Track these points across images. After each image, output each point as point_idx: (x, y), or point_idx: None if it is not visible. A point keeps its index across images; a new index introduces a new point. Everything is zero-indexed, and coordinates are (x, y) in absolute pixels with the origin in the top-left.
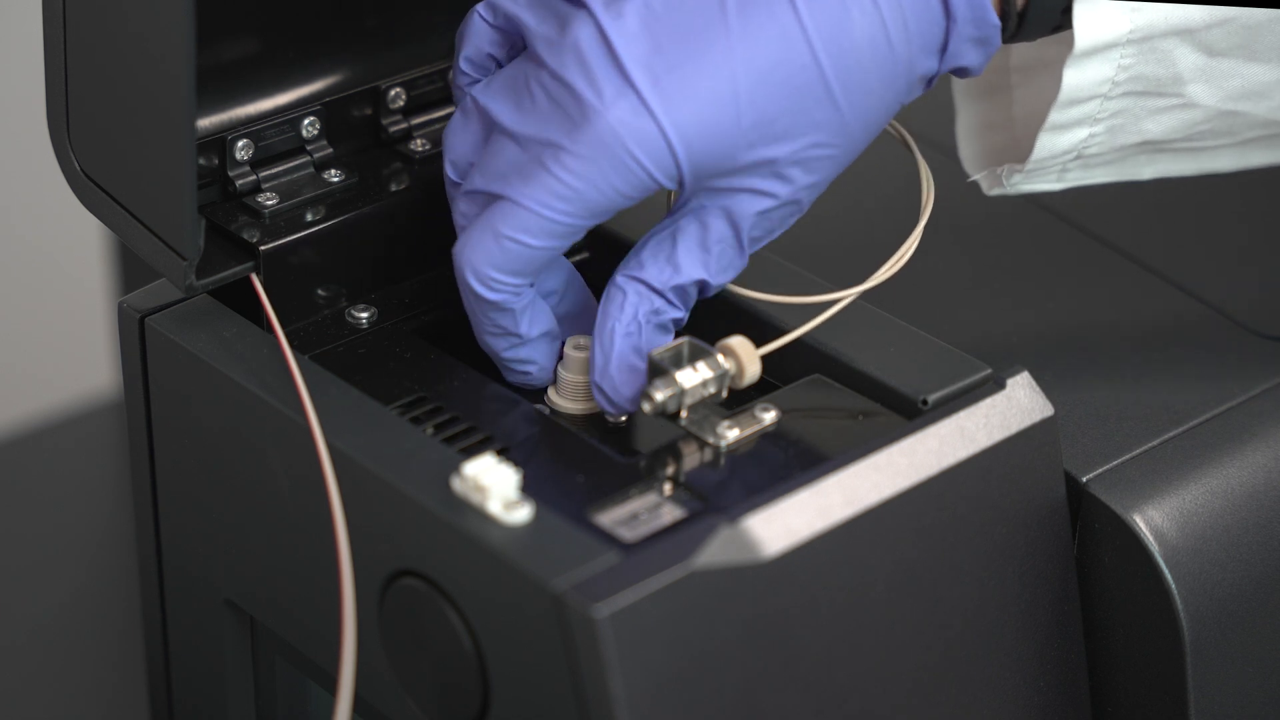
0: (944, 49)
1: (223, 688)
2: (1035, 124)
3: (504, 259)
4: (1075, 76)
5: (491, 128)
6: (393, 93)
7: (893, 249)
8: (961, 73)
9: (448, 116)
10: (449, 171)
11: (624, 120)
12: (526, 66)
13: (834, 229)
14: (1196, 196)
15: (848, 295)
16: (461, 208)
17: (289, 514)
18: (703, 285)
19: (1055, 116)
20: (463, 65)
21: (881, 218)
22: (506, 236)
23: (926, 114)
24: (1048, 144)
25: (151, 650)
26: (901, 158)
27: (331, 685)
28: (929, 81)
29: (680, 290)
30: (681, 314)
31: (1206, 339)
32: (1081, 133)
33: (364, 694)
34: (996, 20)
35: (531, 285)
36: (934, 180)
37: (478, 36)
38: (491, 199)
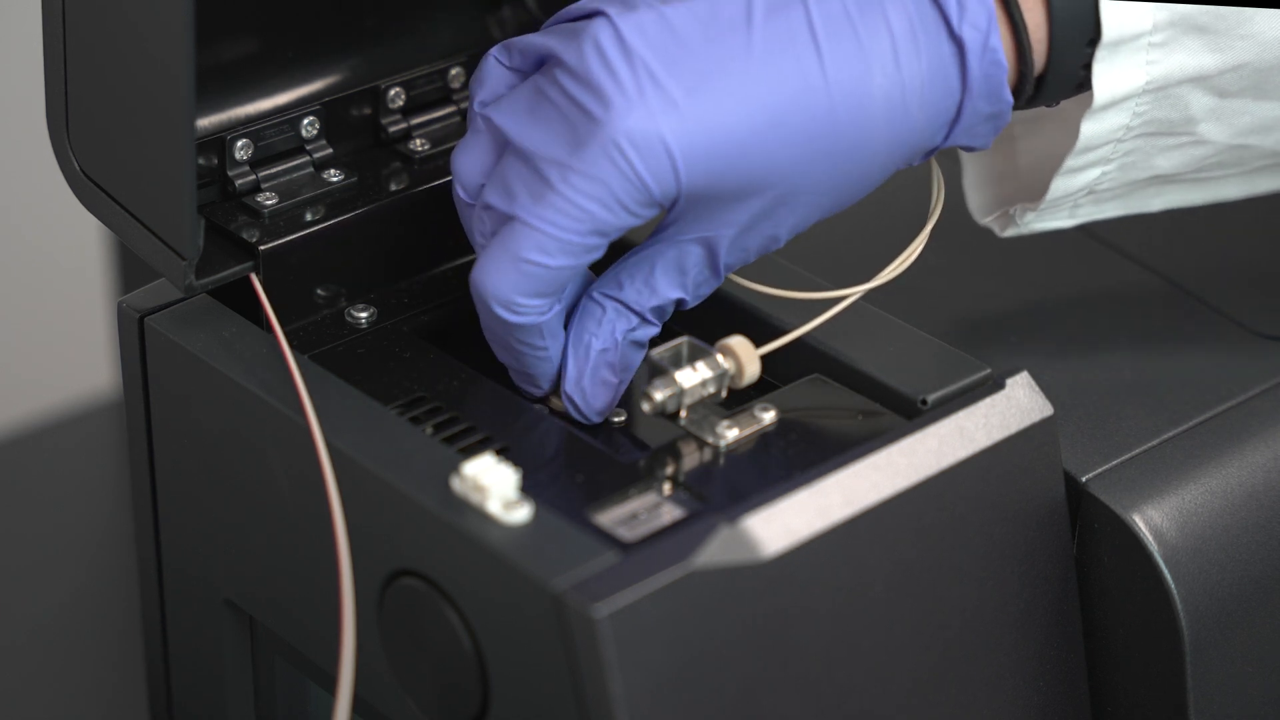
0: (955, 122)
1: (222, 688)
2: (1042, 171)
3: (525, 282)
4: (1092, 127)
5: (503, 145)
6: (392, 92)
7: (893, 249)
8: (967, 149)
9: (448, 116)
10: (460, 193)
11: (629, 132)
12: (540, 80)
13: (835, 229)
14: None
15: (851, 294)
16: (477, 225)
17: (289, 514)
18: (680, 302)
19: (1071, 163)
20: (478, 109)
21: (883, 219)
22: (524, 259)
23: None
24: (1062, 185)
25: (151, 650)
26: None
27: (331, 685)
28: (929, 153)
29: (658, 310)
30: (657, 329)
31: (1206, 339)
32: (1094, 172)
33: (363, 694)
34: (1010, 98)
35: (557, 303)
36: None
37: (494, 80)
38: (503, 218)
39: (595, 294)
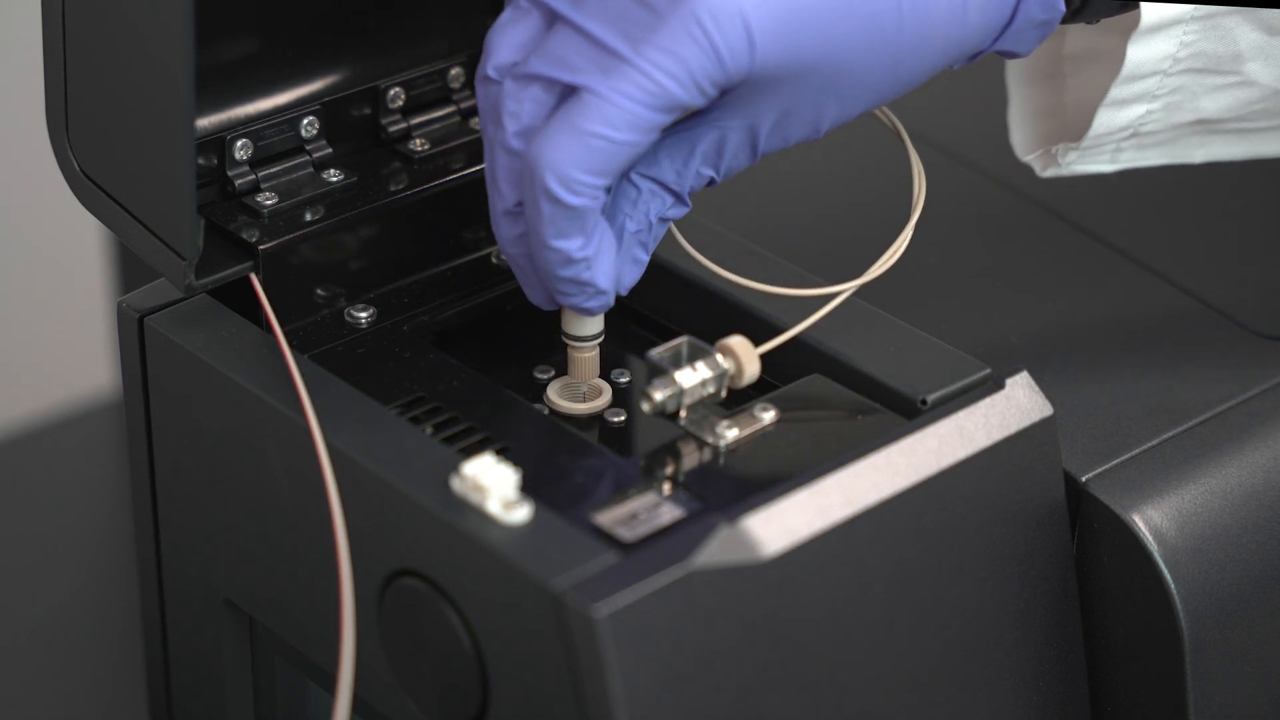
0: (1006, 27)
1: (222, 688)
2: (1087, 111)
3: (588, 157)
4: (1139, 52)
5: (553, 21)
6: (392, 93)
7: (886, 245)
8: (1009, 55)
9: (447, 116)
10: (489, 71)
11: (711, 6)
12: None
13: (830, 227)
14: (1196, 196)
15: (845, 289)
16: (509, 99)
17: (288, 514)
18: (710, 181)
19: (1116, 92)
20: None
21: (877, 215)
22: (591, 132)
23: (922, 110)
24: (1106, 120)
25: (151, 650)
26: (900, 156)
27: (331, 685)
28: (974, 57)
29: (692, 190)
30: (688, 209)
31: (1206, 339)
32: (1139, 109)
33: (363, 694)
34: (1062, 6)
35: (608, 191)
36: (935, 179)
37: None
38: (555, 86)
39: (632, 174)
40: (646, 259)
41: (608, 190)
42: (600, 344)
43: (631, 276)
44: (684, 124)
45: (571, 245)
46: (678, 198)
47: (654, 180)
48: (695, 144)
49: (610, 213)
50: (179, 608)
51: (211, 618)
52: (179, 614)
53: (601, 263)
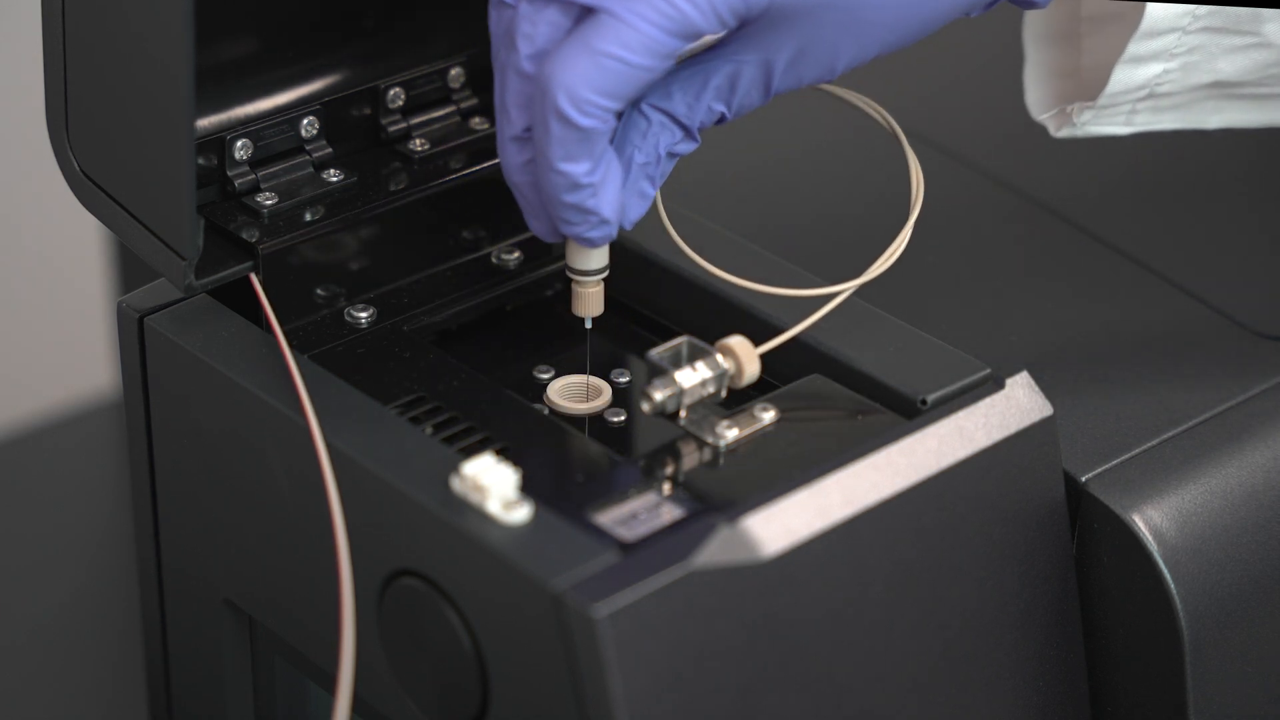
0: None
1: (222, 688)
2: (1104, 73)
3: (601, 78)
4: (1158, 7)
5: None
6: (392, 93)
7: (886, 245)
8: (1027, 4)
9: (447, 116)
10: None
11: None
12: None
13: (830, 227)
14: (1197, 196)
15: (844, 289)
16: (524, 21)
17: (288, 514)
18: (721, 118)
19: (1134, 48)
20: None
21: (877, 215)
22: (605, 53)
23: (922, 110)
24: (1123, 78)
25: (151, 650)
26: (899, 155)
27: (331, 685)
28: (990, 4)
29: (702, 125)
30: (697, 144)
31: (1206, 339)
32: (1156, 68)
33: (363, 694)
34: None
35: (619, 116)
36: (935, 179)
37: None
38: (572, 9)
39: (643, 105)
40: (653, 193)
41: (618, 116)
42: (604, 279)
43: (637, 210)
44: (698, 57)
45: (578, 169)
46: (687, 132)
47: (664, 112)
48: (709, 77)
49: (619, 143)
50: (179, 608)
51: (211, 618)
52: (179, 614)
53: (607, 191)
